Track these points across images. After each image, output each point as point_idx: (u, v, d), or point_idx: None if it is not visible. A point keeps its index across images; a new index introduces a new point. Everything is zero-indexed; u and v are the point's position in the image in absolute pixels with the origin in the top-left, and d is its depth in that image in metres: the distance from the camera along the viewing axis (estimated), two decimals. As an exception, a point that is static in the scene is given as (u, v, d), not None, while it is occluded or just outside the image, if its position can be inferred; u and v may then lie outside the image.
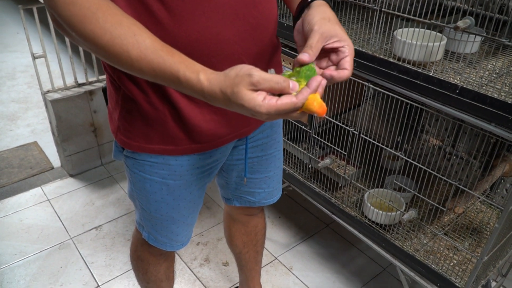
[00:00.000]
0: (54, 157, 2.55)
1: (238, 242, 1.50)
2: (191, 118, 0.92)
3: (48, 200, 2.28)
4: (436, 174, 1.20)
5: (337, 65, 0.77)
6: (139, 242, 1.26)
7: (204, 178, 1.09)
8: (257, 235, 1.50)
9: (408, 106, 1.25)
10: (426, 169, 1.23)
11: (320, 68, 0.78)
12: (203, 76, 0.67)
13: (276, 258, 1.98)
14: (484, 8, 1.25)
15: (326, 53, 0.78)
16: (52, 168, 2.50)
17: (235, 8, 0.84)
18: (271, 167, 1.24)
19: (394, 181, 1.48)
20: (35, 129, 2.90)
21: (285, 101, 0.64)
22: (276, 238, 2.08)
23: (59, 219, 2.16)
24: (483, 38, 1.12)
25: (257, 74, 0.64)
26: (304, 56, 0.72)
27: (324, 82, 0.68)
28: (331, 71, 0.76)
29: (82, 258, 1.95)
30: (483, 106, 0.97)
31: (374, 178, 1.63)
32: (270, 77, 0.64)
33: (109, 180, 2.43)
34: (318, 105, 0.65)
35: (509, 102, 0.94)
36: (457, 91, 1.01)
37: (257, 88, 0.65)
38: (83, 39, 0.70)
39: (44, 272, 1.87)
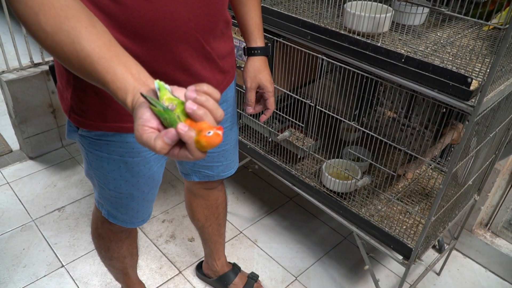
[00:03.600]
0: (12, 140, 2.49)
1: (200, 216, 1.53)
2: None
3: (8, 183, 2.24)
4: (387, 141, 1.25)
5: (266, 105, 1.21)
6: (99, 220, 1.26)
7: None
8: (218, 208, 1.53)
9: (363, 80, 1.29)
10: (380, 137, 1.29)
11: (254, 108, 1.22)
12: (129, 101, 0.63)
13: (241, 232, 2.02)
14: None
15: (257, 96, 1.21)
16: (11, 151, 2.44)
17: None
18: (228, 140, 1.27)
19: (350, 150, 1.54)
20: (-9, 112, 2.82)
21: (181, 154, 0.60)
22: (241, 213, 2.13)
23: (20, 201, 2.12)
24: (429, 11, 1.17)
25: (136, 133, 0.60)
26: (249, 110, 1.21)
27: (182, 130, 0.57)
28: (263, 116, 1.23)
29: (45, 239, 1.93)
30: (427, 74, 1.02)
31: (332, 149, 1.69)
32: (138, 136, 0.59)
33: (71, 161, 2.41)
34: (206, 143, 0.57)
35: (449, 69, 1.00)
36: (403, 60, 1.06)
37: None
38: (33, 38, 0.68)
39: (6, 254, 1.85)
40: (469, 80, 0.97)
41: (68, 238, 1.94)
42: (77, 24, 0.65)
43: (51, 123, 2.39)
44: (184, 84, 0.65)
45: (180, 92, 0.61)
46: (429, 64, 1.02)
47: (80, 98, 0.94)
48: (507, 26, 0.86)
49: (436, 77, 1.02)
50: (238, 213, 2.13)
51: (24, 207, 2.09)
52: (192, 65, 0.96)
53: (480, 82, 0.98)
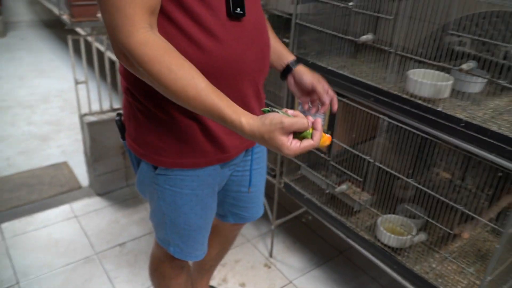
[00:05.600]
0: (82, 177, 2.70)
1: (212, 251, 1.59)
2: (215, 130, 1.06)
3: (76, 216, 2.41)
4: (445, 200, 1.31)
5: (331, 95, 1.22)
6: (160, 260, 1.37)
7: (222, 185, 1.23)
8: (230, 244, 1.65)
9: (420, 140, 1.37)
10: (438, 196, 1.34)
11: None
12: (244, 120, 0.84)
13: (291, 282, 2.06)
14: (491, 54, 1.39)
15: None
16: (81, 187, 2.64)
17: (253, 34, 1.02)
18: (261, 180, 1.37)
19: (407, 207, 1.59)
20: (66, 150, 3.07)
21: (306, 144, 0.85)
22: (291, 263, 2.17)
23: (85, 235, 2.28)
24: (486, 80, 1.26)
25: (286, 121, 0.82)
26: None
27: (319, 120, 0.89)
28: (333, 105, 1.22)
29: (106, 273, 2.05)
30: (485, 138, 1.10)
31: (387, 205, 1.74)
32: (295, 121, 0.83)
33: (134, 200, 2.57)
34: (327, 140, 0.90)
35: (506, 134, 1.07)
36: (462, 124, 1.14)
37: (287, 131, 0.83)
38: (149, 75, 0.85)
39: (70, 284, 1.97)
40: (526, 146, 1.03)
41: (127, 273, 2.05)
42: (191, 65, 0.87)
43: (120, 164, 2.58)
44: None
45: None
46: (488, 129, 1.09)
47: (161, 139, 1.07)
48: None
49: (494, 141, 1.09)
50: (289, 262, 2.17)
51: (89, 241, 2.24)
52: (251, 103, 1.10)
53: (538, 149, 1.04)
